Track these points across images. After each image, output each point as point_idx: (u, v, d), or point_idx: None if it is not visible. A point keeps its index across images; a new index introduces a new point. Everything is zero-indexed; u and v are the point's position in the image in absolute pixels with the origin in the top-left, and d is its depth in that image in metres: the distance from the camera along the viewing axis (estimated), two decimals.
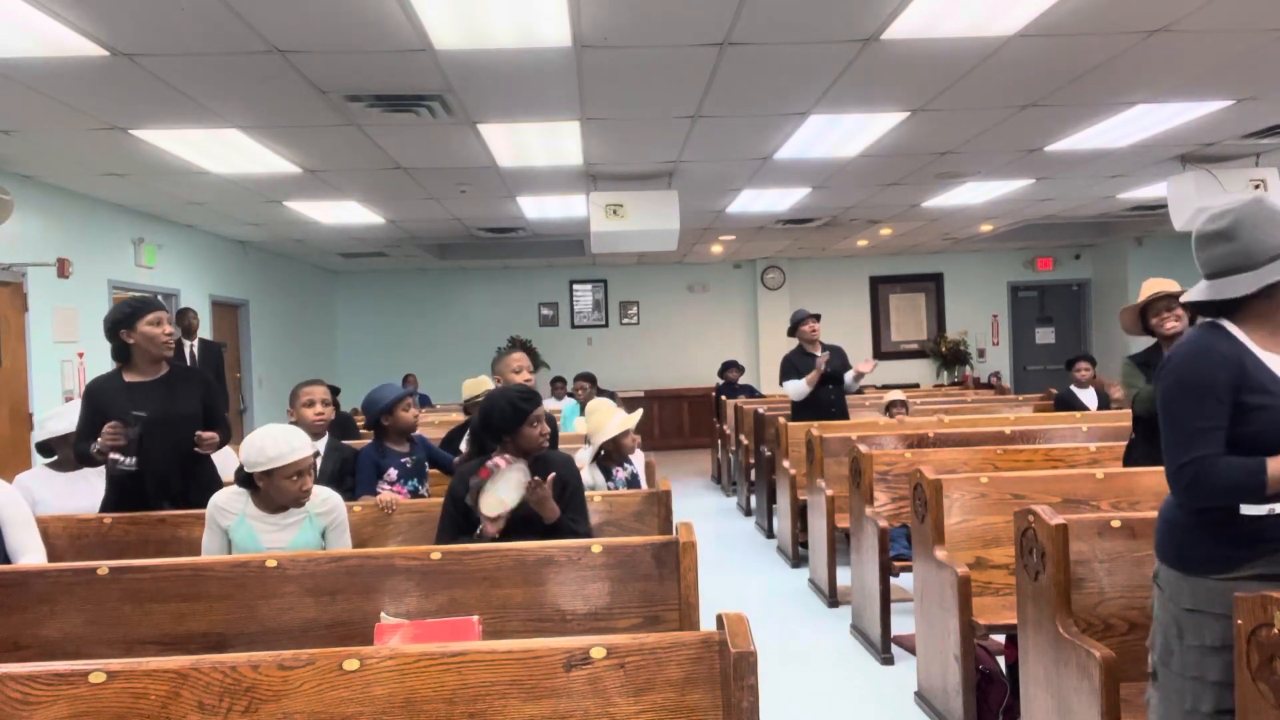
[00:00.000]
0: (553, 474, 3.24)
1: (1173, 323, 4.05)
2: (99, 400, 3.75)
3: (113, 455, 3.63)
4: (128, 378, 3.82)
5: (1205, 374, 2.11)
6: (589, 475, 4.20)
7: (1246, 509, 2.09)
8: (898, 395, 7.24)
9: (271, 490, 3.16)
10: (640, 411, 4.42)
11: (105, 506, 3.86)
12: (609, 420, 4.28)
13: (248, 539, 3.18)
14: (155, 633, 2.81)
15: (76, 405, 4.04)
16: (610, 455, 4.26)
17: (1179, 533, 2.19)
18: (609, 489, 4.14)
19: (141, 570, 2.85)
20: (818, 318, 7.07)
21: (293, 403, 4.25)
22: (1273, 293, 2.12)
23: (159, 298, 4.07)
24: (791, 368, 7.05)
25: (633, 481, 4.28)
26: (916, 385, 13.21)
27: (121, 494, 3.82)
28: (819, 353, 6.99)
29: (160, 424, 3.74)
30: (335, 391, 7.33)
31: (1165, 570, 2.21)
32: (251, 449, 3.13)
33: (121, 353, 3.80)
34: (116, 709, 1.87)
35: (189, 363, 7.74)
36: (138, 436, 3.71)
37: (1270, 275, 2.10)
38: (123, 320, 3.76)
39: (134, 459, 3.71)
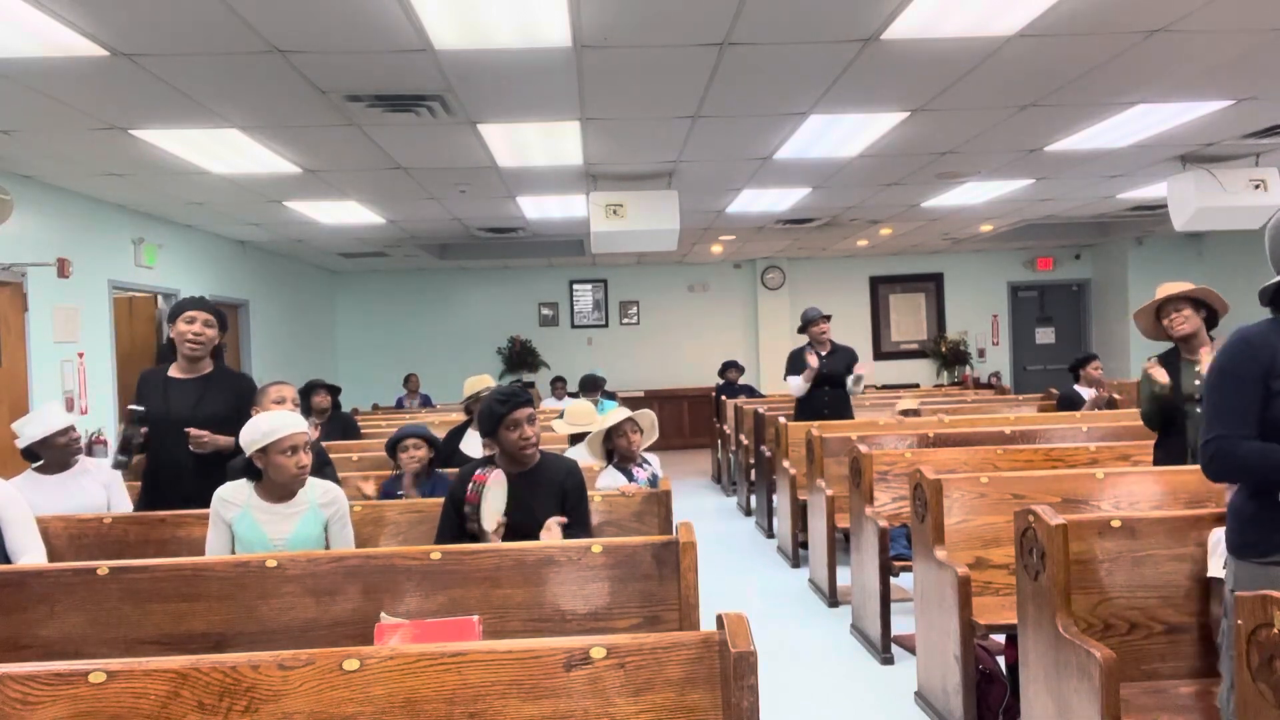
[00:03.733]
0: (561, 520, 3.29)
1: (1181, 324, 4.07)
2: (140, 390, 4.00)
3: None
4: (171, 373, 3.99)
5: (1234, 362, 2.28)
6: (609, 479, 4.21)
7: None
8: (910, 404, 7.26)
9: (271, 470, 3.18)
10: (648, 414, 4.40)
11: (139, 504, 4.02)
12: (606, 418, 4.32)
13: (251, 530, 3.19)
14: (155, 633, 2.81)
15: (52, 406, 4.07)
16: (621, 455, 4.28)
17: (1234, 518, 2.33)
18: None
19: (141, 570, 2.85)
20: (828, 318, 7.16)
21: (259, 402, 4.00)
22: None
23: (198, 297, 4.19)
24: (795, 364, 7.17)
25: (654, 483, 4.26)
26: (916, 385, 13.22)
27: (145, 490, 3.99)
28: (824, 353, 7.09)
29: (182, 423, 3.78)
30: (335, 391, 7.37)
31: (1228, 555, 2.36)
32: (248, 431, 3.18)
33: (169, 347, 4.03)
34: (116, 709, 1.87)
35: None
36: (132, 437, 3.74)
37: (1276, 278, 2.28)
38: (170, 315, 4.02)
39: (125, 457, 3.78)
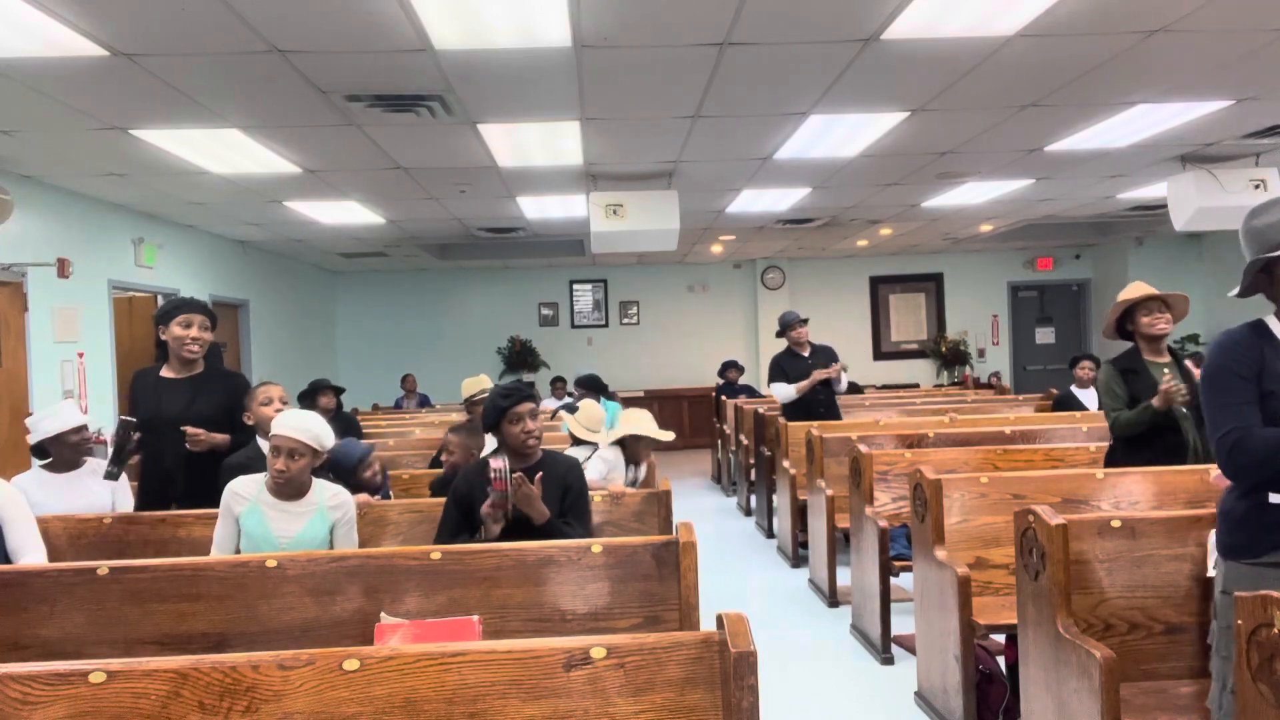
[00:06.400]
0: (540, 474, 3.22)
1: (1163, 324, 4.10)
2: (133, 390, 3.98)
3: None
4: (164, 373, 3.97)
5: (1223, 360, 2.32)
6: (609, 458, 4.30)
7: (1276, 497, 2.22)
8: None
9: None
10: (671, 435, 4.53)
11: (138, 504, 4.02)
12: (643, 419, 4.43)
13: (258, 526, 3.20)
14: (155, 633, 2.81)
15: (68, 404, 4.06)
16: (629, 458, 4.39)
17: (1223, 519, 2.35)
18: (624, 479, 4.28)
19: (141, 570, 2.85)
20: (805, 321, 7.11)
21: (248, 405, 3.95)
22: None
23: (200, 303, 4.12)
24: (780, 370, 7.07)
25: (634, 485, 4.33)
26: (916, 385, 13.22)
27: (142, 491, 3.98)
28: (806, 354, 7.03)
29: (173, 423, 3.78)
30: (339, 391, 7.37)
31: (1218, 556, 2.37)
32: (281, 415, 3.30)
33: (161, 347, 3.97)
34: (116, 709, 1.87)
35: None
36: (121, 444, 3.73)
37: (1245, 279, 2.36)
38: (160, 316, 3.94)
39: (117, 467, 3.77)
